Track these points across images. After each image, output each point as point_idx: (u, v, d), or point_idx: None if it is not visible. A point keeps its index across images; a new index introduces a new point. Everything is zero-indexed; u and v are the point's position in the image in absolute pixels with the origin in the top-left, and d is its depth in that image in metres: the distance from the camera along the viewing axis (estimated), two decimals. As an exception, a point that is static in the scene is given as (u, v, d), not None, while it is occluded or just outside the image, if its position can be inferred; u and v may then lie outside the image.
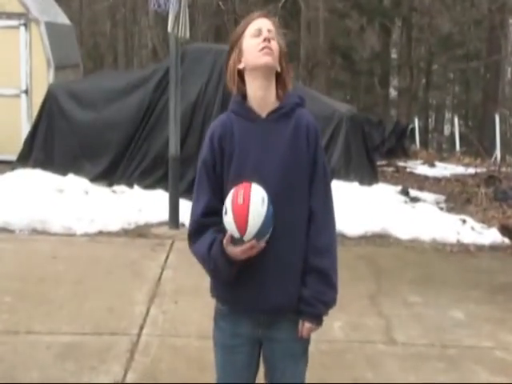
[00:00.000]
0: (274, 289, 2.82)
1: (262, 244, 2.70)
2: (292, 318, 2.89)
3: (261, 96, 2.85)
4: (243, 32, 2.86)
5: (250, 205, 2.63)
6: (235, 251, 2.70)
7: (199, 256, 2.84)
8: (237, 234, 2.67)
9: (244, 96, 2.89)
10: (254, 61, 2.82)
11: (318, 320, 2.89)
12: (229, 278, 2.81)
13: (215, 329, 2.98)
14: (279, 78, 2.88)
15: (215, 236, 2.76)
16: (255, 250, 2.69)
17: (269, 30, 2.83)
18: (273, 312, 2.86)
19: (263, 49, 2.80)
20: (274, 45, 2.83)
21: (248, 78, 2.86)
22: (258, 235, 2.66)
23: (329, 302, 2.90)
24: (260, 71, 2.82)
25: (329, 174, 2.97)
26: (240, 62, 2.85)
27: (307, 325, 2.88)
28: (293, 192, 2.83)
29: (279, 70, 2.86)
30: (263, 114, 2.86)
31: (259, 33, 2.82)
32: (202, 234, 2.81)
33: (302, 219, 2.86)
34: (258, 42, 2.81)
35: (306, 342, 2.96)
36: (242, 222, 2.64)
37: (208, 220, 2.81)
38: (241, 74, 2.88)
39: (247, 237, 2.66)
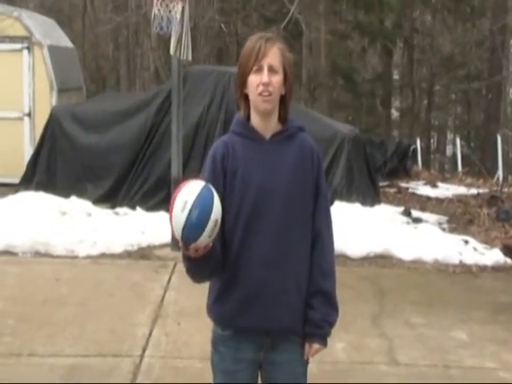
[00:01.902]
0: (281, 309, 2.83)
1: (202, 247, 2.64)
2: (294, 340, 2.90)
3: (263, 125, 2.87)
4: (252, 67, 2.78)
5: (174, 210, 2.63)
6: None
7: None
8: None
9: (249, 116, 2.89)
10: (253, 101, 2.83)
11: (325, 341, 2.93)
12: (194, 272, 2.80)
13: (214, 354, 2.96)
14: (283, 100, 2.88)
15: None
16: (193, 251, 2.65)
17: (270, 67, 2.78)
18: (279, 332, 2.87)
19: (261, 94, 2.78)
20: (275, 82, 2.79)
21: (251, 106, 2.87)
22: (185, 240, 2.63)
23: (333, 323, 2.93)
24: (259, 112, 2.85)
25: (328, 196, 3.00)
26: (245, 87, 2.84)
27: (316, 346, 2.90)
28: (298, 213, 2.86)
29: (283, 93, 2.86)
30: (267, 135, 2.88)
31: (260, 69, 2.78)
32: None
33: (307, 240, 2.89)
34: (257, 81, 2.78)
35: (306, 363, 2.98)
36: (171, 225, 2.65)
37: None
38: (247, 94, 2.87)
39: (179, 239, 2.65)
